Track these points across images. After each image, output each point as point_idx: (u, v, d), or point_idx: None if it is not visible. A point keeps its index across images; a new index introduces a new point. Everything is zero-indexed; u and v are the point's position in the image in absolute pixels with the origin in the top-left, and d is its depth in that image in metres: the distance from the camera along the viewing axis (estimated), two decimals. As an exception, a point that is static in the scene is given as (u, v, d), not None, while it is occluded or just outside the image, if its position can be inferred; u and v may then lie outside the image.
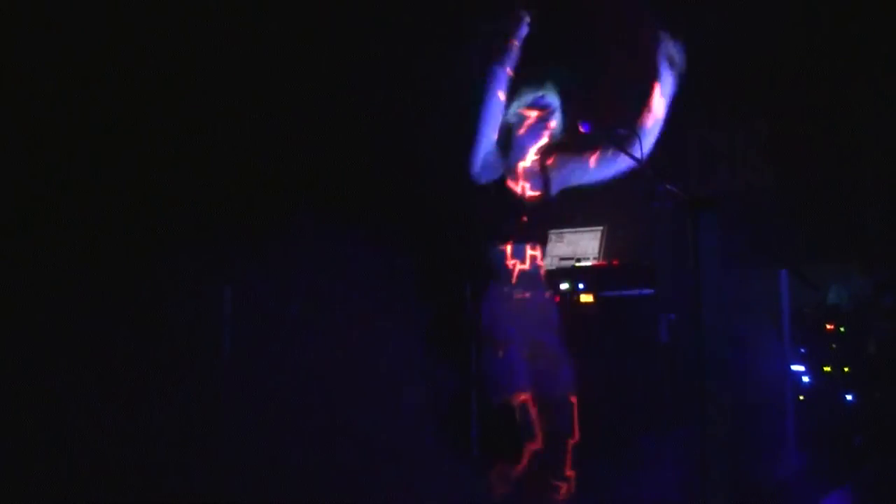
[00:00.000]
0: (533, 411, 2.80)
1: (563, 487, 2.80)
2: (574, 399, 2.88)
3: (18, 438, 3.57)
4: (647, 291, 4.26)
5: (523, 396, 2.81)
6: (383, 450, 3.43)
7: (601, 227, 4.76)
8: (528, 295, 2.91)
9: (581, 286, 4.46)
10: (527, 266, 2.90)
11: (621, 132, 2.82)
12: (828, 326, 4.56)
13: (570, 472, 2.81)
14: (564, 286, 4.45)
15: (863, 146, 5.01)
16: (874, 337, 4.44)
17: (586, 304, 4.42)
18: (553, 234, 4.64)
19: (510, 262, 2.89)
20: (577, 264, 4.61)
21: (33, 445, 3.57)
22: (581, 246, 4.77)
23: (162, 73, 4.30)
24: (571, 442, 2.83)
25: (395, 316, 3.86)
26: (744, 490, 2.89)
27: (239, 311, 4.07)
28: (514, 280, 2.89)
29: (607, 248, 4.73)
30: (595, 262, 4.63)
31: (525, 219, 2.93)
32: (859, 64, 4.87)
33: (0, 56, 3.94)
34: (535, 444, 2.78)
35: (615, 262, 4.56)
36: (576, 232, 4.79)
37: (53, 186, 4.06)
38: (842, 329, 4.53)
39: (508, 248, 2.89)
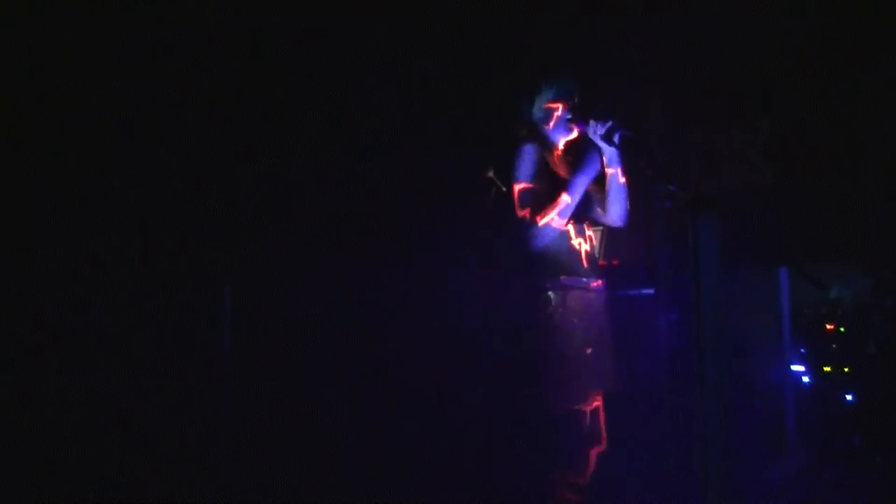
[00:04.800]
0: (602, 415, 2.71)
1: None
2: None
3: (17, 438, 3.57)
4: (647, 291, 4.25)
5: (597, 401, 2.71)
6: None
7: (601, 227, 4.74)
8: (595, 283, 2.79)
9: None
10: (589, 248, 2.86)
11: (624, 133, 2.82)
12: (828, 326, 4.56)
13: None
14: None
15: (863, 146, 5.01)
16: (874, 337, 4.43)
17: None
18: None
19: (574, 243, 2.83)
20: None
21: (32, 445, 3.58)
22: (581, 246, 4.76)
23: (164, 73, 4.30)
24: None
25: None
26: (743, 490, 2.89)
27: (239, 311, 4.07)
28: (584, 264, 2.78)
29: (607, 248, 4.72)
30: (595, 262, 4.62)
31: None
32: (860, 63, 4.88)
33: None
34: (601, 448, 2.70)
35: (615, 262, 4.55)
36: (576, 232, 4.77)
37: (53, 185, 4.05)
38: (842, 329, 4.52)
39: (571, 228, 2.83)
